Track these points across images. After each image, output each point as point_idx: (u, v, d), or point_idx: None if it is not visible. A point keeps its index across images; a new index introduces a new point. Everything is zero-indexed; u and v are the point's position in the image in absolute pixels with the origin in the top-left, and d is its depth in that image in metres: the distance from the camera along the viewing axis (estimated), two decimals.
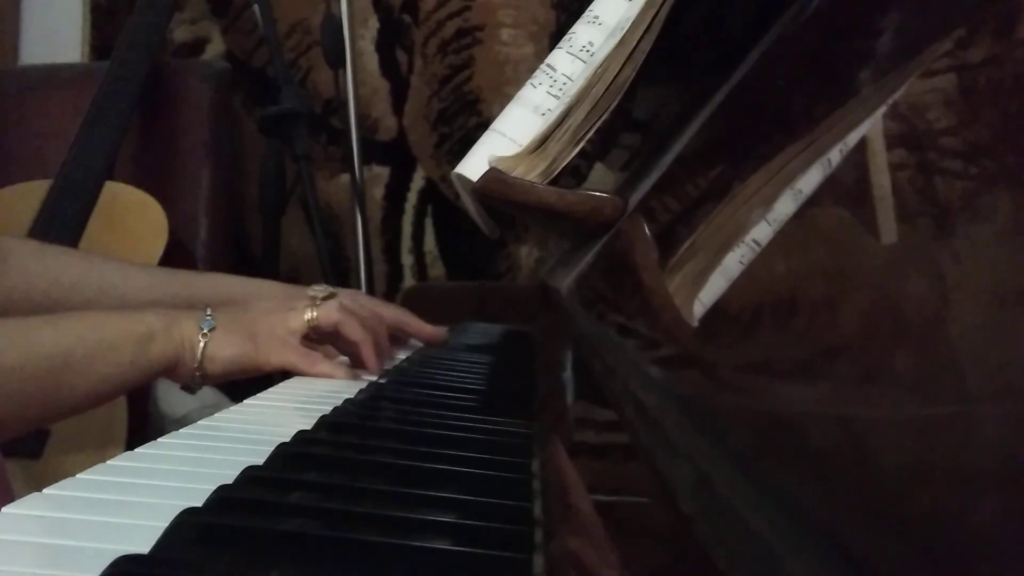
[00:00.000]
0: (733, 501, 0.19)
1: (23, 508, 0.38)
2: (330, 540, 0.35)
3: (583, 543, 0.31)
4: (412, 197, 1.87)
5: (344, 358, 0.85)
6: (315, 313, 0.79)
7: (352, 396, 0.66)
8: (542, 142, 0.64)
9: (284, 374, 0.84)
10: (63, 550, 0.34)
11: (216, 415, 0.60)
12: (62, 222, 1.45)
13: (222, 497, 0.38)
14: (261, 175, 1.69)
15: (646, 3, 0.63)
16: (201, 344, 0.75)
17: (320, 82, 1.87)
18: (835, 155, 0.25)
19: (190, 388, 0.77)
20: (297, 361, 0.78)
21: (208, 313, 0.77)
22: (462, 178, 0.69)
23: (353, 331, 0.80)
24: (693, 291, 0.32)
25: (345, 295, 0.85)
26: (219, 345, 0.76)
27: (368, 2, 1.85)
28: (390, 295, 1.85)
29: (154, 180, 1.64)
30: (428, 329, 0.97)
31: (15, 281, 0.88)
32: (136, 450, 0.48)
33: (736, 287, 0.28)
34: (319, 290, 0.83)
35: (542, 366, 0.82)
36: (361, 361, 0.81)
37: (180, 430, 0.55)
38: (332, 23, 1.64)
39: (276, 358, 0.77)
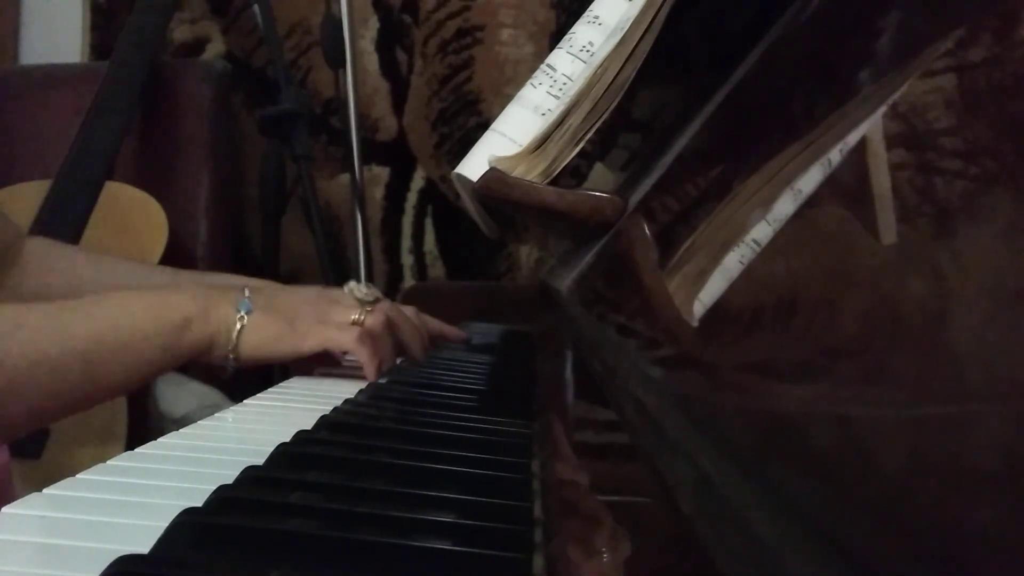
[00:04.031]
0: (733, 501, 0.19)
1: (23, 508, 0.38)
2: (330, 540, 0.35)
3: (585, 536, 0.31)
4: (412, 197, 1.87)
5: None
6: (362, 317, 0.77)
7: (352, 396, 0.66)
8: (542, 142, 0.64)
9: (284, 375, 0.83)
10: (63, 550, 0.34)
11: (216, 415, 0.60)
12: (62, 222, 1.45)
13: (222, 497, 0.38)
14: (261, 175, 1.69)
15: (646, 3, 0.63)
16: (237, 327, 0.73)
17: (320, 82, 1.87)
18: (835, 155, 0.25)
19: (223, 369, 0.75)
20: (338, 335, 0.75)
21: (246, 295, 0.75)
22: (462, 178, 0.69)
23: (385, 356, 0.78)
24: (693, 291, 0.32)
25: (390, 305, 0.83)
26: (255, 328, 0.74)
27: (368, 2, 1.85)
28: (390, 295, 1.85)
29: (154, 180, 1.64)
30: (457, 332, 0.99)
31: (29, 278, 0.87)
32: (136, 450, 0.48)
33: (736, 287, 0.28)
34: (365, 292, 0.80)
35: (542, 366, 0.82)
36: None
37: (180, 430, 0.55)
38: (332, 23, 1.64)
39: (314, 339, 0.75)
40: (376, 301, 0.80)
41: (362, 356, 0.75)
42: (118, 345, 0.69)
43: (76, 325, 0.68)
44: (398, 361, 0.83)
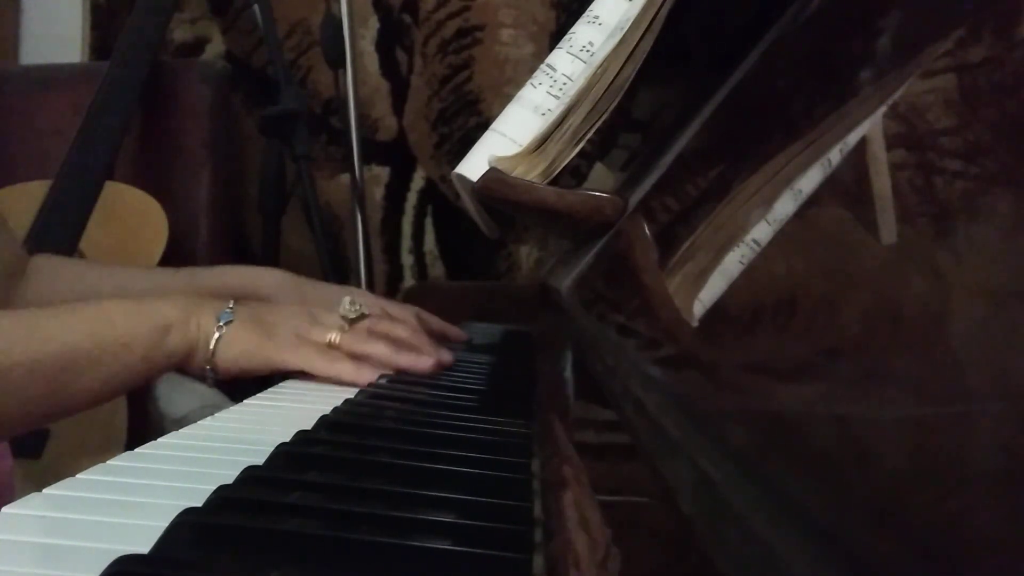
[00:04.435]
0: (733, 501, 0.19)
1: (23, 508, 0.38)
2: (330, 540, 0.35)
3: (584, 540, 0.31)
4: (412, 197, 1.87)
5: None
6: (337, 339, 0.76)
7: (352, 396, 0.66)
8: (542, 142, 0.64)
9: (283, 375, 0.83)
10: (63, 550, 0.34)
11: (216, 415, 0.60)
12: (62, 222, 1.45)
13: (222, 497, 0.38)
14: (261, 175, 1.69)
15: (646, 3, 0.63)
16: (216, 336, 0.73)
17: (320, 82, 1.87)
18: (835, 155, 0.25)
19: (203, 380, 0.75)
20: (314, 362, 0.74)
21: (229, 306, 0.75)
22: (462, 178, 0.69)
23: (384, 359, 0.76)
24: (693, 291, 0.32)
25: (374, 319, 0.80)
26: (233, 339, 0.73)
27: (368, 2, 1.85)
28: (390, 295, 1.85)
29: (154, 180, 1.64)
30: (457, 332, 0.98)
31: (36, 293, 0.87)
32: (136, 450, 0.48)
33: (736, 287, 0.28)
34: (350, 309, 0.78)
35: (542, 366, 0.82)
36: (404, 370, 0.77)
37: (180, 430, 0.55)
38: (332, 23, 1.64)
39: (292, 358, 0.74)
40: (361, 317, 0.78)
41: (347, 374, 0.73)
42: (95, 352, 0.68)
43: (51, 332, 0.67)
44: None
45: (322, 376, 0.74)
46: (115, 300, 0.74)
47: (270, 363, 0.74)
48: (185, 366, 0.74)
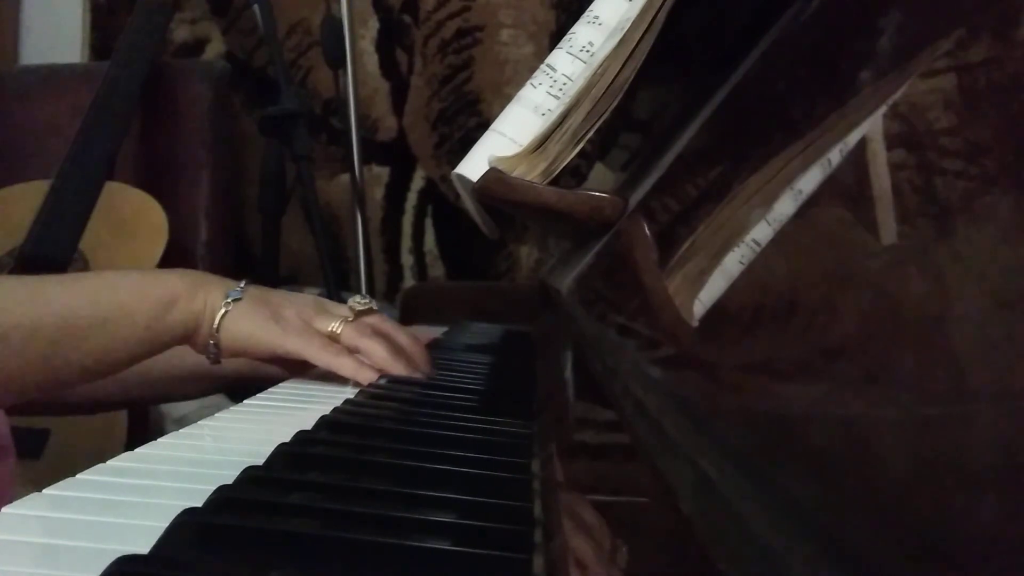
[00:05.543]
0: (733, 501, 0.19)
1: (23, 508, 0.38)
2: (330, 540, 0.35)
3: (585, 542, 0.31)
4: (412, 197, 1.87)
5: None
6: (339, 329, 0.75)
7: (352, 396, 0.66)
8: (542, 142, 0.64)
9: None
10: (63, 550, 0.34)
11: (216, 415, 0.60)
12: (62, 222, 1.45)
13: (222, 497, 0.38)
14: (261, 175, 1.69)
15: (646, 3, 0.63)
16: (221, 312, 0.72)
17: (320, 82, 1.87)
18: (835, 155, 0.25)
19: (207, 357, 0.74)
20: (317, 352, 0.73)
21: (240, 285, 0.74)
22: (462, 178, 0.69)
23: (380, 360, 0.75)
24: (693, 291, 0.32)
25: (381, 317, 0.80)
26: (239, 317, 0.72)
27: (368, 2, 1.86)
28: (390, 295, 1.86)
29: (154, 180, 1.64)
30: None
31: None
32: (136, 450, 0.48)
33: (736, 287, 0.28)
34: (359, 301, 0.78)
35: (542, 366, 0.82)
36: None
37: (180, 430, 0.55)
38: (332, 23, 1.65)
39: (294, 344, 0.73)
40: (369, 311, 0.78)
41: (347, 368, 0.73)
42: (96, 319, 0.67)
43: (54, 296, 0.67)
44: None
45: (322, 367, 0.74)
46: (122, 270, 0.73)
47: (272, 347, 0.74)
48: (190, 342, 0.73)
